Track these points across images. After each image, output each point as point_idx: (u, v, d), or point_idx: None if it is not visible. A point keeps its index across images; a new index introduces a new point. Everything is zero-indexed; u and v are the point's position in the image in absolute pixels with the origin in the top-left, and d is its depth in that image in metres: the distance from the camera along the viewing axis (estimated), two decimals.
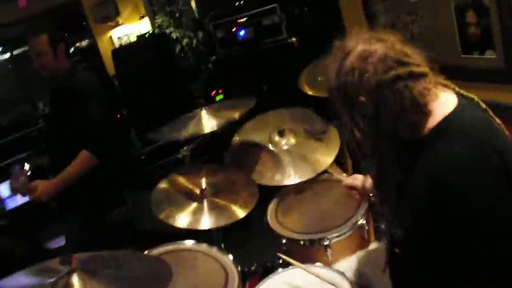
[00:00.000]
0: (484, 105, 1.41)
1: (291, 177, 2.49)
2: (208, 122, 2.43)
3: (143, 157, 3.69)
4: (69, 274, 1.50)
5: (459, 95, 1.41)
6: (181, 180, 2.50)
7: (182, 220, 2.25)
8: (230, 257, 2.16)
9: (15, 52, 6.13)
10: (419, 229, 1.42)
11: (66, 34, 3.07)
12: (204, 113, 2.48)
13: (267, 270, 2.41)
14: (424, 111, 1.36)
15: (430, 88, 1.36)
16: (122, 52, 5.24)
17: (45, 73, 2.84)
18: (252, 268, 2.50)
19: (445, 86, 1.43)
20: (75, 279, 1.48)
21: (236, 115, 2.42)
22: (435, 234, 1.38)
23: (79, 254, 1.60)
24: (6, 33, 6.01)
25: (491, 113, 1.41)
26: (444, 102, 1.38)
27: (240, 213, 2.28)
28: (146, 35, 5.61)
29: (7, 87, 6.08)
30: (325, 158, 2.50)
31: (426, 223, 1.38)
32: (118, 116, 4.44)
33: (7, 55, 6.17)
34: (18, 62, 6.08)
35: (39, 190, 2.65)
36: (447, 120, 1.35)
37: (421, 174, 1.36)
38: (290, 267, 2.09)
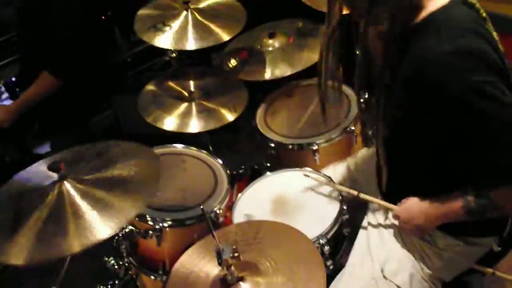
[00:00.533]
0: (484, 14, 1.36)
1: (279, 73, 2.45)
2: (195, 42, 2.27)
3: (129, 59, 3.58)
4: (60, 180, 1.51)
5: None
6: (169, 83, 2.45)
7: (170, 123, 2.24)
8: (219, 160, 2.17)
9: None
10: (405, 125, 1.42)
11: None
12: (190, 29, 2.32)
13: (255, 173, 2.44)
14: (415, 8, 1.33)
15: None
16: None
17: None
18: (240, 170, 2.53)
19: None
20: (67, 185, 1.50)
21: (226, 36, 2.30)
22: (419, 130, 1.39)
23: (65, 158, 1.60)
24: None
25: (489, 24, 1.36)
26: None
27: (229, 116, 2.26)
28: None
29: None
30: (314, 55, 2.44)
31: (411, 118, 1.39)
32: (103, 17, 4.28)
33: None
34: None
35: None
36: (434, 14, 1.32)
37: (406, 68, 1.35)
38: (279, 170, 2.11)
